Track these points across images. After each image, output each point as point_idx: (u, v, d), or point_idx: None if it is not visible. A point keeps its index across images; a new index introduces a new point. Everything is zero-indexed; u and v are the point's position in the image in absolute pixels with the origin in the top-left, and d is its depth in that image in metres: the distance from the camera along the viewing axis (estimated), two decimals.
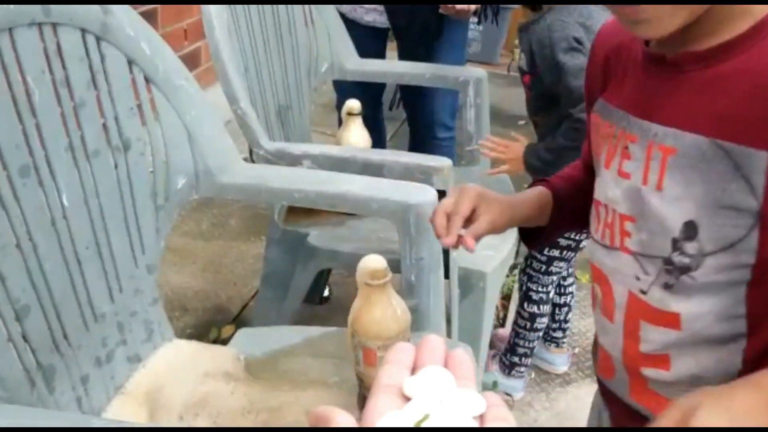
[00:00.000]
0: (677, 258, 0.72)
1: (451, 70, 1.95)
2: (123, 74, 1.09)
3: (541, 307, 1.87)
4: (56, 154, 0.98)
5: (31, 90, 0.94)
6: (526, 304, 1.88)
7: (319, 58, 1.85)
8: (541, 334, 1.94)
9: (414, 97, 2.19)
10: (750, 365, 0.72)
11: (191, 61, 2.73)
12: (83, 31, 1.03)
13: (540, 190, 0.97)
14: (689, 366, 0.75)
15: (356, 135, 1.64)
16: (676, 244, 0.72)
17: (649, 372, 0.79)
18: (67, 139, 1.00)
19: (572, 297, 1.97)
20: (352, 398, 1.07)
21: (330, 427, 0.38)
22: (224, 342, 1.36)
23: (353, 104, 1.66)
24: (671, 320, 0.74)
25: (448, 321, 1.48)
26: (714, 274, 0.70)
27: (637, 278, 0.76)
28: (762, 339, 0.71)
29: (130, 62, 1.10)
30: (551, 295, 1.89)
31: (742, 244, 0.68)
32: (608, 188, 0.78)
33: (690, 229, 0.70)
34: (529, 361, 1.94)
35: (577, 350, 2.13)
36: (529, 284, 1.85)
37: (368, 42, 2.05)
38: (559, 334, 2.01)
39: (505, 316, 2.23)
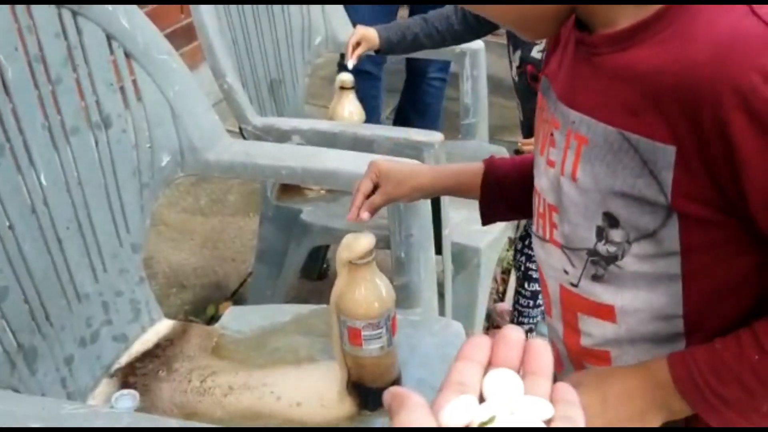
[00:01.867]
0: (603, 247, 0.68)
1: None
2: (102, 49, 1.07)
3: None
4: (32, 133, 0.96)
5: (4, 67, 0.92)
6: (527, 284, 1.86)
7: (312, 31, 1.81)
8: (543, 308, 1.93)
9: None
10: None
11: (186, 35, 2.68)
12: (58, 5, 1.00)
13: (477, 164, 0.96)
14: (629, 363, 0.72)
15: (348, 109, 1.61)
16: (601, 233, 0.68)
17: (590, 367, 0.76)
18: (44, 117, 0.98)
19: None
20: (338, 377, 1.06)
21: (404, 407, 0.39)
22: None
23: (346, 78, 1.63)
24: (606, 312, 0.71)
25: (442, 297, 1.46)
26: (640, 262, 0.67)
27: (566, 272, 0.73)
28: (700, 340, 0.68)
29: (109, 37, 1.08)
30: None
31: (662, 233, 0.64)
32: (540, 176, 0.75)
33: (610, 218, 0.67)
34: (533, 336, 1.93)
35: None
36: (528, 264, 1.83)
37: (377, 12, 2.01)
38: None
39: (505, 291, 2.21)
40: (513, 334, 0.44)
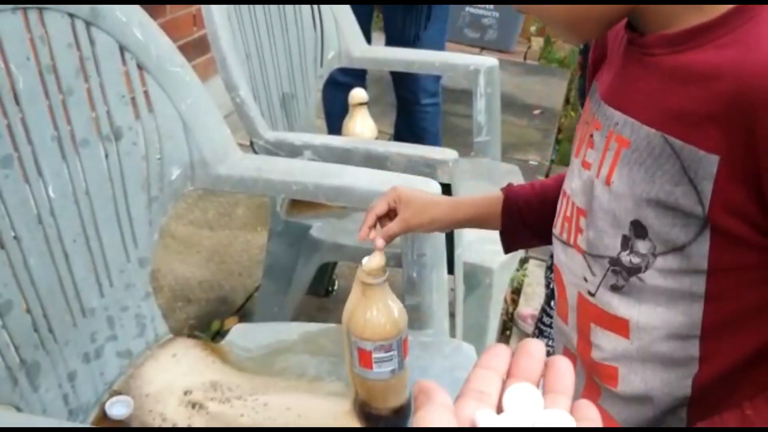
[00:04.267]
0: (626, 257, 0.66)
1: (461, 58, 1.90)
2: (114, 61, 1.05)
3: None
4: (42, 144, 0.95)
5: (15, 77, 0.90)
6: (553, 303, 1.81)
7: (325, 46, 1.80)
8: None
9: None
10: (699, 393, 0.68)
11: (199, 47, 2.69)
12: (72, 16, 0.99)
13: (495, 194, 0.95)
14: (636, 384, 0.71)
15: (362, 125, 1.59)
16: (627, 243, 0.66)
17: (599, 384, 0.75)
18: (54, 129, 0.96)
19: None
20: (348, 399, 1.03)
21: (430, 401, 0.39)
22: (227, 334, 1.33)
23: (359, 93, 1.61)
24: (620, 326, 0.69)
25: (453, 317, 1.43)
26: (664, 277, 0.65)
27: (585, 279, 0.72)
28: (714, 367, 0.66)
29: (122, 48, 1.06)
30: None
31: (691, 248, 0.63)
32: (573, 178, 0.74)
33: (639, 228, 0.65)
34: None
35: None
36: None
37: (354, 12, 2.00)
38: None
39: (515, 311, 2.18)
40: (534, 347, 0.43)
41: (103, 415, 1.03)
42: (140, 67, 1.09)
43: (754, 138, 0.57)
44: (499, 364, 0.42)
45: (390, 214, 0.97)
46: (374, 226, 0.97)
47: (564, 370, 0.42)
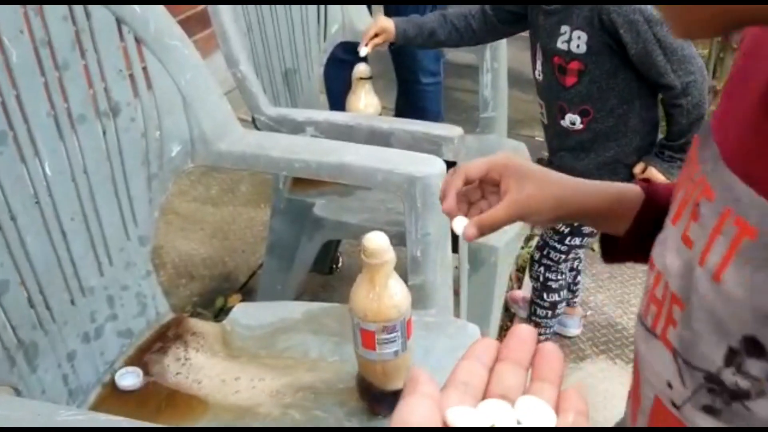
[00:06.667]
0: (730, 377, 0.47)
1: None
2: (111, 34, 1.03)
3: (561, 293, 1.78)
4: (37, 121, 0.93)
5: (8, 51, 0.88)
6: (546, 295, 1.78)
7: (328, 19, 1.76)
8: (560, 318, 1.87)
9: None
10: None
11: (200, 21, 2.64)
12: None
13: (631, 187, 0.70)
14: None
15: (365, 101, 1.57)
16: (733, 358, 0.47)
17: None
18: (50, 104, 0.94)
19: (580, 261, 1.88)
20: (350, 380, 1.02)
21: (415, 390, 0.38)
22: (230, 311, 1.32)
23: (363, 68, 1.58)
24: None
25: (457, 296, 1.42)
26: None
27: (670, 385, 0.52)
28: None
29: (119, 21, 1.03)
30: (566, 277, 1.81)
31: None
32: (668, 251, 0.53)
33: (753, 346, 0.46)
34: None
35: (589, 313, 2.05)
36: (547, 274, 1.75)
37: None
38: (569, 295, 1.91)
39: (520, 287, 2.17)
40: (525, 332, 0.43)
41: (113, 387, 1.02)
42: (138, 40, 1.06)
43: None
44: (486, 355, 0.42)
45: (484, 189, 0.71)
46: (462, 200, 0.71)
47: (553, 357, 0.42)
